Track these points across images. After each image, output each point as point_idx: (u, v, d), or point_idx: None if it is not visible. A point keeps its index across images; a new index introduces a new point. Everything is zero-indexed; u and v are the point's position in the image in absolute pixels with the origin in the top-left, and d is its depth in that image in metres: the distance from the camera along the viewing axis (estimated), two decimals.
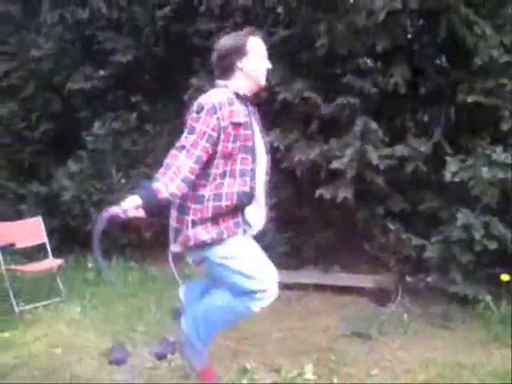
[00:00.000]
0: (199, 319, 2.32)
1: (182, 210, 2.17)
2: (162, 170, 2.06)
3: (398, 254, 4.14)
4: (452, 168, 3.77)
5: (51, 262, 5.02)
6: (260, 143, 2.24)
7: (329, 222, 4.76)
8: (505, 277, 3.47)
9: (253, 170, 2.15)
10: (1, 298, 4.71)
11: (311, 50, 4.73)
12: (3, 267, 4.71)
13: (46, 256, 5.14)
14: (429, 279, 3.95)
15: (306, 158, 4.60)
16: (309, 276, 4.63)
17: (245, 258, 2.22)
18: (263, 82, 2.26)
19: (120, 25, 5.98)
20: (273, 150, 4.83)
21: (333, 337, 3.48)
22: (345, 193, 4.34)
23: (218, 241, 2.14)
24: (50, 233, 5.26)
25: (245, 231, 2.24)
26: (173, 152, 2.08)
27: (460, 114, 4.21)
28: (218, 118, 2.06)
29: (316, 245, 4.81)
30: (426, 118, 4.36)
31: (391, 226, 4.07)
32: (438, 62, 4.71)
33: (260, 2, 4.99)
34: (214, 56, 2.25)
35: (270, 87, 4.92)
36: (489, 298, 3.50)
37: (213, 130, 2.07)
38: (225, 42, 2.23)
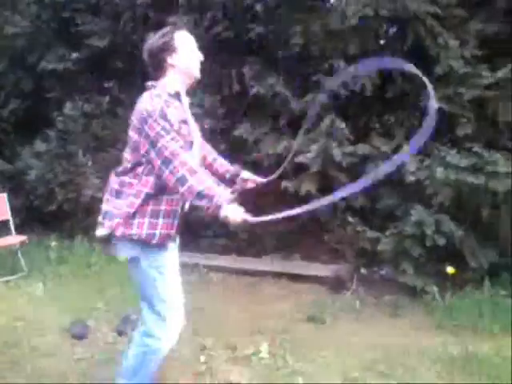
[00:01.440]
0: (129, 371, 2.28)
1: (121, 196, 2.14)
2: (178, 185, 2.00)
3: (355, 246, 4.34)
4: (411, 168, 3.98)
5: (14, 239, 5.04)
6: (195, 133, 2.25)
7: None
8: (450, 270, 3.72)
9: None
10: None
11: (286, 47, 4.88)
12: None
13: (8, 233, 5.15)
14: (382, 271, 4.16)
15: (274, 152, 4.75)
16: (268, 264, 4.79)
17: (167, 280, 2.20)
18: (197, 75, 2.25)
19: (99, 9, 5.98)
20: (241, 143, 5.03)
21: (288, 320, 3.64)
22: (308, 186, 4.51)
23: (151, 240, 2.09)
24: (14, 210, 5.29)
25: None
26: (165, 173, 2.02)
27: (422, 118, 4.41)
28: (169, 122, 2.03)
29: (277, 234, 4.97)
30: (390, 120, 4.55)
31: (350, 219, 4.27)
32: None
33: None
34: (145, 56, 2.24)
35: (244, 81, 5.08)
36: (435, 289, 3.73)
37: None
38: (152, 41, 2.21)
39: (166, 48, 2.16)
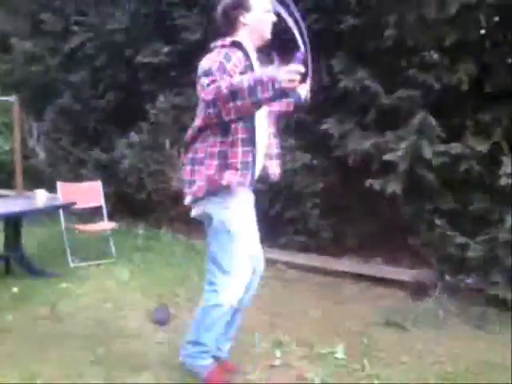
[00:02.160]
0: (198, 323, 2.44)
1: (196, 162, 2.25)
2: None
3: (441, 251, 4.11)
4: (507, 169, 3.71)
5: (106, 225, 5.33)
6: None
7: (375, 214, 4.78)
8: None
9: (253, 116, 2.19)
10: (58, 253, 5.08)
11: (378, 40, 4.72)
12: (63, 225, 5.06)
13: (101, 219, 5.46)
14: (469, 280, 3.92)
15: (360, 148, 4.63)
16: (348, 264, 4.69)
17: (239, 236, 2.29)
18: (268, 35, 2.27)
19: (194, 2, 6.12)
20: (327, 138, 4.95)
21: (366, 324, 3.54)
22: (394, 186, 4.34)
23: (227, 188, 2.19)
24: (107, 198, 5.58)
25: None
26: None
27: None
28: (228, 74, 2.05)
29: (359, 234, 4.85)
30: (487, 117, 4.25)
31: (438, 222, 4.05)
32: (508, 60, 4.60)
33: None
34: (219, 12, 2.28)
35: (333, 74, 4.98)
36: None
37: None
38: None
39: (240, 5, 2.20)
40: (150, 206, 6.30)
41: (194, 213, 2.38)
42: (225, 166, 2.17)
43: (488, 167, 4.04)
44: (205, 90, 2.04)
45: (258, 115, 2.20)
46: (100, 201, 5.47)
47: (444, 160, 4.17)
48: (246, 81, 1.96)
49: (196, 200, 2.29)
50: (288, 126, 5.20)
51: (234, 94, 1.95)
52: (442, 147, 4.21)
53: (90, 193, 5.49)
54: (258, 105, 2.00)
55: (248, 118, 2.14)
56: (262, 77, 1.95)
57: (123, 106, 6.80)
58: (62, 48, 6.96)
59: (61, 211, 5.12)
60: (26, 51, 7.21)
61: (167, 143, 6.12)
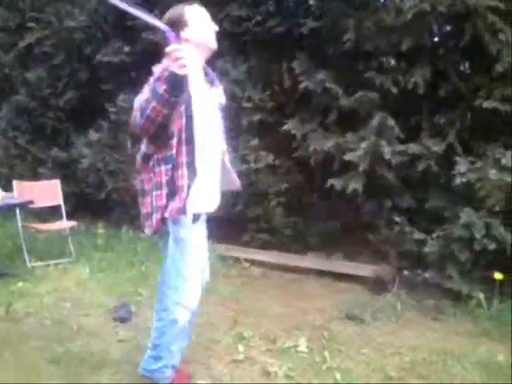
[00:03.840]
0: (158, 342, 2.36)
1: (145, 194, 2.24)
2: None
3: (399, 247, 4.25)
4: (461, 169, 3.85)
5: (64, 224, 5.22)
6: (202, 107, 2.22)
7: (336, 212, 4.89)
8: (498, 276, 3.56)
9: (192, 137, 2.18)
10: (15, 252, 4.94)
11: (338, 43, 4.83)
12: (20, 224, 4.93)
13: (60, 218, 5.35)
14: (426, 274, 4.05)
15: (321, 149, 4.71)
16: (310, 261, 4.76)
17: (193, 253, 2.28)
18: (214, 45, 2.27)
19: (154, 3, 6.09)
20: (289, 138, 5.02)
21: (328, 318, 3.61)
22: (355, 185, 4.44)
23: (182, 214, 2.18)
24: (65, 197, 5.46)
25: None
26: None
27: (476, 118, 4.29)
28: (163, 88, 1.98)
29: (321, 232, 4.94)
30: (442, 120, 4.42)
31: (396, 219, 4.18)
32: (460, 66, 4.80)
33: None
34: (160, 34, 2.25)
35: (294, 76, 5.06)
36: (481, 295, 3.59)
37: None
38: (165, 17, 2.24)
39: (178, 23, 2.18)
40: (110, 204, 6.21)
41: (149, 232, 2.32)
42: (173, 191, 2.16)
43: (444, 167, 4.20)
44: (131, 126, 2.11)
45: (200, 138, 2.19)
46: (59, 200, 5.36)
47: (402, 159, 4.31)
48: (145, 92, 2.03)
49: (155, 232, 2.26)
50: (251, 127, 5.25)
51: (142, 108, 1.99)
52: (400, 147, 4.35)
53: (48, 192, 5.38)
54: (165, 102, 1.94)
55: (189, 140, 2.15)
56: (155, 76, 2.03)
57: (82, 105, 6.68)
58: (16, 44, 6.78)
59: (17, 210, 4.98)
60: None
61: (128, 143, 6.05)
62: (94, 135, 6.27)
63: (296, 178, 5.04)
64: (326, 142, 4.69)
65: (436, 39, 4.88)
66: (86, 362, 2.84)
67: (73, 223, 5.21)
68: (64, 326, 3.37)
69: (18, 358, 2.87)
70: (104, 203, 6.21)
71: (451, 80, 4.45)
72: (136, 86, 6.42)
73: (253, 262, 4.84)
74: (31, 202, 4.77)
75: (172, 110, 1.99)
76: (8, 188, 5.00)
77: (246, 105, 5.21)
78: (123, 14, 6.27)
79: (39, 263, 4.74)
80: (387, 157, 4.28)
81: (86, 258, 4.94)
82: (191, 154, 2.16)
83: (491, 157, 3.84)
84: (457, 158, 3.99)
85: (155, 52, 6.14)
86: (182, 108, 2.10)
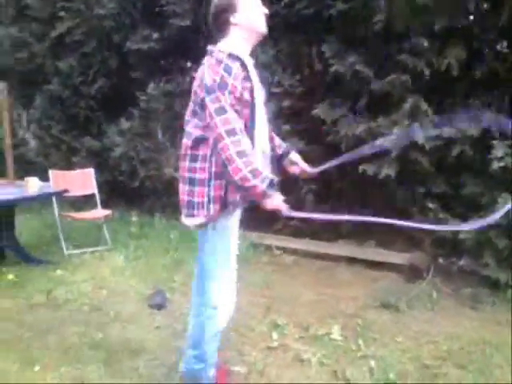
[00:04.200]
0: (198, 338, 2.33)
1: (194, 182, 2.17)
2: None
3: (434, 234, 4.18)
4: (498, 153, 3.75)
5: (99, 212, 5.32)
6: (259, 93, 2.20)
7: (368, 198, 4.84)
8: None
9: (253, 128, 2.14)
10: (52, 241, 5.07)
11: (368, 24, 4.73)
12: (56, 213, 5.05)
13: (94, 207, 5.45)
14: (462, 262, 3.98)
15: (352, 134, 4.66)
16: (342, 248, 4.74)
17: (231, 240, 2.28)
18: (263, 29, 2.21)
19: None
20: (319, 124, 4.97)
21: (361, 306, 3.60)
22: (388, 170, 4.38)
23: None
24: (99, 185, 5.55)
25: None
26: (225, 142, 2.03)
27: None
28: (230, 93, 2.03)
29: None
30: (477, 102, 4.30)
31: (430, 205, 4.11)
32: (497, 46, 4.64)
33: None
34: (210, 19, 2.23)
35: (324, 59, 4.99)
36: None
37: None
38: (214, 2, 2.21)
39: (228, 7, 2.14)
40: (143, 193, 6.29)
41: (190, 223, 2.25)
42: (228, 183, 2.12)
43: (479, 151, 4.10)
44: (214, 117, 2.03)
45: (258, 122, 2.16)
46: (93, 188, 5.46)
47: (436, 144, 4.22)
48: (247, 167, 2.01)
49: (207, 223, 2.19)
50: (281, 113, 5.21)
51: (231, 163, 2.00)
52: (434, 131, 4.25)
53: (82, 180, 5.48)
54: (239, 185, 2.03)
55: (252, 129, 2.12)
56: (257, 184, 2.01)
57: (113, 93, 6.75)
58: (48, 34, 6.86)
59: (54, 199, 5.10)
60: (11, 37, 7.10)
61: (159, 131, 6.10)
62: (125, 124, 6.33)
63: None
64: (357, 127, 4.62)
65: (471, 18, 4.73)
66: (124, 347, 2.92)
67: (107, 212, 5.30)
68: (102, 312, 3.47)
69: (59, 343, 2.99)
70: (137, 191, 6.29)
71: (487, 60, 4.32)
72: (165, 74, 6.49)
73: (284, 250, 4.85)
74: (67, 191, 4.89)
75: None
76: (44, 177, 5.11)
77: (276, 90, 5.16)
78: (151, 0, 6.34)
79: (76, 251, 4.87)
80: (420, 141, 4.19)
81: (121, 246, 5.05)
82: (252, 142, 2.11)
83: None
84: (493, 142, 3.88)
85: (183, 38, 6.16)
86: (247, 96, 2.08)
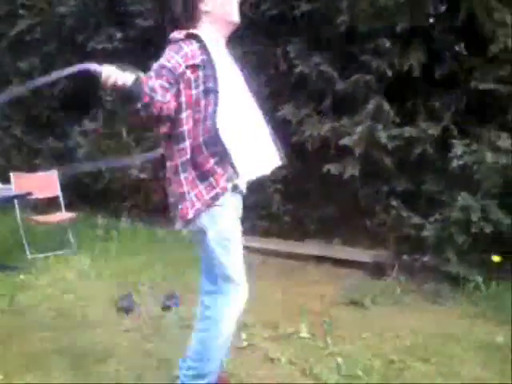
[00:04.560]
0: (199, 354, 2.12)
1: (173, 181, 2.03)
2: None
3: (397, 231, 4.29)
4: (457, 151, 3.88)
5: (63, 215, 5.24)
6: (236, 81, 2.09)
7: (333, 197, 4.91)
8: (496, 258, 3.62)
9: (215, 112, 1.94)
10: (15, 245, 4.96)
11: (332, 25, 4.80)
12: (19, 216, 4.94)
13: (58, 209, 5.36)
14: (425, 259, 4.09)
15: (317, 134, 4.73)
16: (310, 247, 4.80)
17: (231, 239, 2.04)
18: (236, 19, 2.06)
19: None
20: (285, 124, 5.02)
21: (328, 303, 3.66)
22: (352, 170, 4.48)
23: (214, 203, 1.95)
24: (63, 188, 5.46)
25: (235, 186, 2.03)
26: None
27: (472, 100, 4.30)
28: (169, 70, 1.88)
29: (319, 218, 4.97)
30: (437, 103, 4.43)
31: (393, 203, 4.22)
32: (455, 48, 4.78)
33: None
34: (178, 5, 2.04)
35: (289, 60, 5.04)
36: (479, 278, 3.65)
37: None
38: None
39: None
40: (109, 195, 6.22)
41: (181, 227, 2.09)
42: (201, 176, 1.95)
43: (440, 150, 4.22)
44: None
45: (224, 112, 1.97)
46: (57, 191, 5.36)
47: (398, 143, 4.33)
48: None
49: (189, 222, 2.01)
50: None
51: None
52: (396, 131, 4.36)
53: (45, 183, 5.38)
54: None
55: (209, 116, 1.94)
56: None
57: (76, 93, 6.63)
58: (7, 32, 6.70)
59: (16, 202, 4.98)
60: None
61: (124, 132, 6.04)
62: (89, 124, 6.25)
63: (293, 164, 5.04)
64: (322, 127, 4.71)
65: (431, 20, 4.86)
66: (93, 352, 2.87)
67: (72, 214, 5.22)
68: (68, 317, 3.41)
69: (23, 349, 2.91)
70: (102, 194, 6.22)
71: (446, 62, 4.45)
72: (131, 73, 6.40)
73: (252, 250, 4.87)
74: (30, 194, 4.79)
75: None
76: (4, 180, 5.00)
77: None
78: (114, 0, 6.26)
79: (39, 255, 4.78)
80: (383, 141, 4.29)
81: (87, 249, 4.98)
82: (211, 131, 1.95)
83: (487, 139, 3.87)
84: (453, 141, 4.01)
85: (147, 38, 6.11)
86: (194, 77, 1.92)
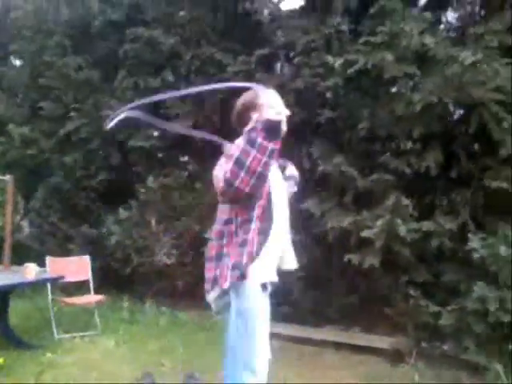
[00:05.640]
0: None
1: (220, 257, 2.20)
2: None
3: (416, 319, 4.33)
4: (474, 245, 4.04)
5: (92, 298, 5.41)
6: (277, 182, 2.27)
7: (353, 286, 5.02)
8: None
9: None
10: (43, 325, 5.11)
11: (353, 130, 5.21)
12: (50, 297, 5.14)
13: (86, 291, 5.55)
14: (444, 346, 4.09)
15: (339, 225, 4.95)
16: (329, 333, 4.85)
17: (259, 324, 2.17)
18: (284, 128, 2.20)
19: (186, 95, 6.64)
20: (309, 216, 5.27)
21: None
22: (372, 260, 4.62)
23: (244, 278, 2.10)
24: (92, 271, 5.68)
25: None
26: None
27: (487, 196, 4.52)
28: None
29: (339, 305, 5.04)
30: (455, 198, 4.65)
31: (412, 293, 4.30)
32: (470, 149, 5.08)
33: (311, 86, 5.52)
34: (233, 115, 2.35)
35: (312, 159, 5.42)
36: (500, 367, 3.62)
37: None
38: (240, 99, 2.32)
39: (251, 107, 2.24)
40: (135, 279, 6.42)
41: (215, 306, 2.26)
42: (249, 253, 2.12)
43: (458, 242, 4.38)
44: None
45: (275, 201, 2.19)
46: (88, 275, 5.58)
47: (417, 236, 4.50)
48: (233, 153, 2.05)
49: (224, 292, 2.17)
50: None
51: (240, 162, 2.01)
52: (414, 225, 4.56)
53: (78, 267, 5.61)
54: (264, 149, 2.00)
55: (266, 207, 2.15)
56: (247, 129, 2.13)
57: (113, 186, 7.10)
58: (57, 132, 7.32)
59: (49, 285, 5.21)
60: (22, 135, 7.56)
61: (153, 220, 6.38)
62: (123, 213, 6.61)
63: (315, 253, 5.23)
64: (344, 220, 4.92)
65: (446, 125, 5.21)
66: None
67: (100, 297, 5.39)
68: None
69: None
70: (129, 278, 6.42)
71: (462, 161, 4.74)
72: (164, 168, 6.89)
73: (272, 335, 4.89)
74: (63, 277, 5.02)
75: (270, 158, 2.02)
76: (39, 263, 5.25)
77: None
78: (157, 104, 6.88)
79: (66, 335, 4.90)
80: (402, 234, 4.47)
81: (111, 331, 5.10)
82: (267, 220, 2.15)
83: (501, 233, 4.03)
84: (469, 235, 4.18)
85: (182, 136, 6.63)
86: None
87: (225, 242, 2.20)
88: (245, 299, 2.13)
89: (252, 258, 2.12)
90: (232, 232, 2.19)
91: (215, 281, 2.18)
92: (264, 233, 2.15)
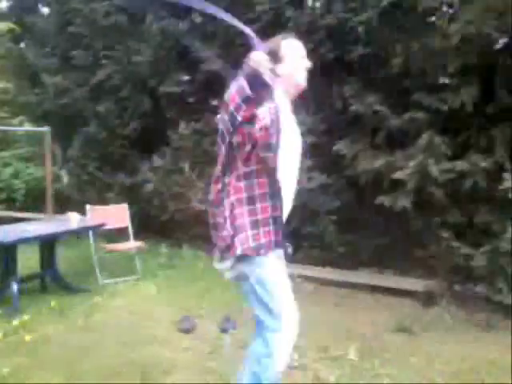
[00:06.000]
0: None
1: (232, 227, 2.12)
2: None
3: (448, 261, 4.34)
4: (509, 184, 3.94)
5: (132, 244, 5.64)
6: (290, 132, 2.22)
7: (386, 228, 5.03)
8: None
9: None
10: (88, 271, 5.40)
11: (386, 67, 5.03)
12: (93, 245, 5.39)
13: (126, 239, 5.78)
14: (476, 288, 4.11)
15: (371, 167, 4.90)
16: (362, 276, 4.94)
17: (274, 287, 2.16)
18: (303, 83, 2.19)
19: (213, 37, 6.51)
20: (340, 158, 5.23)
21: (378, 329, 3.77)
22: (404, 202, 4.58)
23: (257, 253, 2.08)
24: (131, 219, 5.89)
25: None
26: None
27: None
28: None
29: (372, 248, 5.10)
30: (490, 136, 4.50)
31: (444, 235, 4.28)
32: (510, 82, 4.84)
33: (343, 22, 5.32)
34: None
35: (344, 99, 5.30)
36: None
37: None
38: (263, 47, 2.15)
39: (273, 58, 2.10)
40: (172, 225, 6.61)
41: (229, 275, 2.23)
42: (256, 223, 2.09)
43: (492, 182, 4.28)
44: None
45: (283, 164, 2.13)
46: (126, 222, 5.79)
47: (450, 176, 4.42)
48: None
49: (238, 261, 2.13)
50: (304, 149, 5.49)
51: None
52: (448, 165, 4.46)
53: (117, 215, 5.82)
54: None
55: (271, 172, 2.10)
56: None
57: (147, 133, 7.17)
58: (89, 80, 7.38)
59: (90, 232, 5.45)
60: (55, 85, 7.66)
61: (186, 166, 6.46)
62: (157, 161, 6.72)
63: (347, 196, 5.23)
64: (375, 161, 4.86)
65: (485, 57, 4.95)
66: (158, 366, 3.15)
67: (140, 243, 5.62)
68: (135, 335, 3.72)
69: (98, 361, 3.24)
70: (166, 224, 6.62)
71: (500, 96, 4.54)
72: (195, 113, 6.88)
73: (306, 278, 5.04)
74: (104, 225, 5.24)
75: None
76: (79, 212, 5.47)
77: (299, 128, 5.46)
78: (186, 47, 6.79)
79: (110, 280, 5.18)
80: (435, 174, 4.40)
81: (151, 275, 5.35)
82: (274, 186, 2.11)
83: None
84: (503, 174, 4.07)
85: (212, 80, 6.56)
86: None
87: (237, 211, 2.11)
88: (261, 269, 2.13)
89: (263, 230, 2.10)
90: (243, 201, 2.12)
91: (227, 249, 2.12)
92: (275, 207, 2.11)
